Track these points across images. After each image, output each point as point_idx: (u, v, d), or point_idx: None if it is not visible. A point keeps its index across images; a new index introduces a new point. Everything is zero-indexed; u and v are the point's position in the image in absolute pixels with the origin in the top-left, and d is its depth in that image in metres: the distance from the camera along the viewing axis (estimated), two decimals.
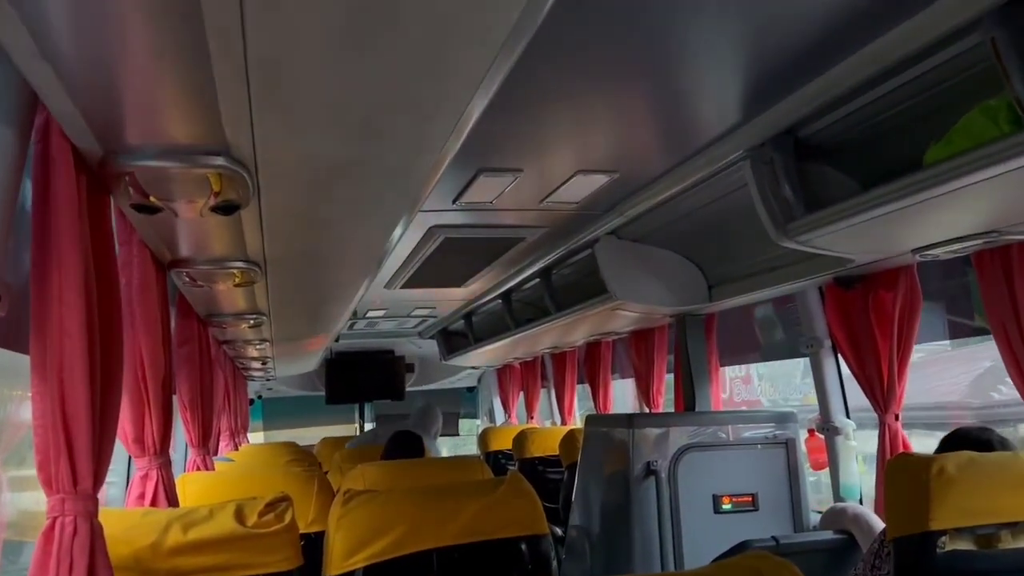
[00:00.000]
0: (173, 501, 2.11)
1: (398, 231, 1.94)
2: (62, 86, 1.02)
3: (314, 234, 1.89)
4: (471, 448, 9.07)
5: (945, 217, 1.94)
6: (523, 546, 1.96)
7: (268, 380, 6.83)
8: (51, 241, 1.21)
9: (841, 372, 3.22)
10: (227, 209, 1.43)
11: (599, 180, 2.53)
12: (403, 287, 4.22)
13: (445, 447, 9.45)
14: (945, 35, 1.51)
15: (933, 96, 1.78)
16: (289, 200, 1.55)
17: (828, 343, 3.17)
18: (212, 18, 0.84)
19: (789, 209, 2.16)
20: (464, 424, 9.19)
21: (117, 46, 0.93)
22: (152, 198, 1.37)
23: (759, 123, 2.06)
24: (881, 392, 2.79)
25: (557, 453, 4.97)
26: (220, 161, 1.24)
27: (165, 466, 2.05)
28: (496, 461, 6.16)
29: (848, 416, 3.21)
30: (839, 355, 3.14)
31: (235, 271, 2.02)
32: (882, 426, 2.80)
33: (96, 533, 1.29)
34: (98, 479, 1.28)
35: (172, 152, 1.22)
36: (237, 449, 4.76)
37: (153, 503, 2.01)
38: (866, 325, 2.82)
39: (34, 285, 1.23)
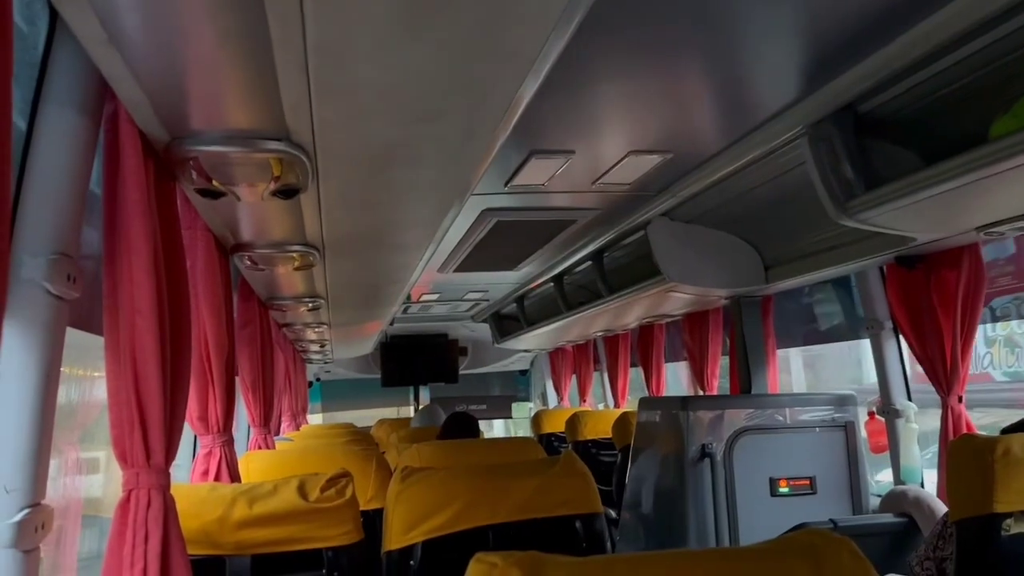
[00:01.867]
0: (236, 478, 2.18)
1: (451, 214, 1.96)
2: (130, 73, 1.06)
3: (370, 217, 1.92)
4: (524, 431, 9.13)
5: (1012, 193, 1.88)
6: (577, 524, 1.98)
7: (326, 363, 6.97)
8: (121, 225, 1.26)
9: (902, 353, 3.15)
10: (287, 193, 1.47)
11: (652, 160, 2.50)
12: (456, 271, 4.25)
13: (498, 429, 9.54)
14: (1009, 6, 1.46)
15: (997, 68, 1.72)
16: (346, 184, 1.58)
17: (889, 324, 3.10)
18: (274, 5, 0.86)
19: (849, 187, 2.11)
20: (516, 408, 9.25)
21: (182, 33, 0.96)
22: (215, 182, 1.42)
23: (817, 99, 2.02)
24: (944, 373, 2.73)
25: (610, 436, 4.97)
26: (280, 146, 1.27)
27: (228, 444, 2.11)
28: (549, 443, 6.19)
29: (909, 398, 3.14)
30: (900, 336, 3.07)
31: (294, 254, 2.07)
32: (945, 408, 2.73)
33: (169, 506, 1.34)
34: (170, 454, 1.34)
35: (234, 137, 1.25)
36: (298, 429, 4.88)
37: (216, 480, 2.08)
38: (928, 305, 2.75)
39: (106, 267, 1.29)
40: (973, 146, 1.66)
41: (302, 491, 1.79)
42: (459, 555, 1.83)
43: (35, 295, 1.13)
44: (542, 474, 2.01)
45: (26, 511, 1.12)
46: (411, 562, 1.87)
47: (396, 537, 1.87)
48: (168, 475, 1.35)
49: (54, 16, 1.14)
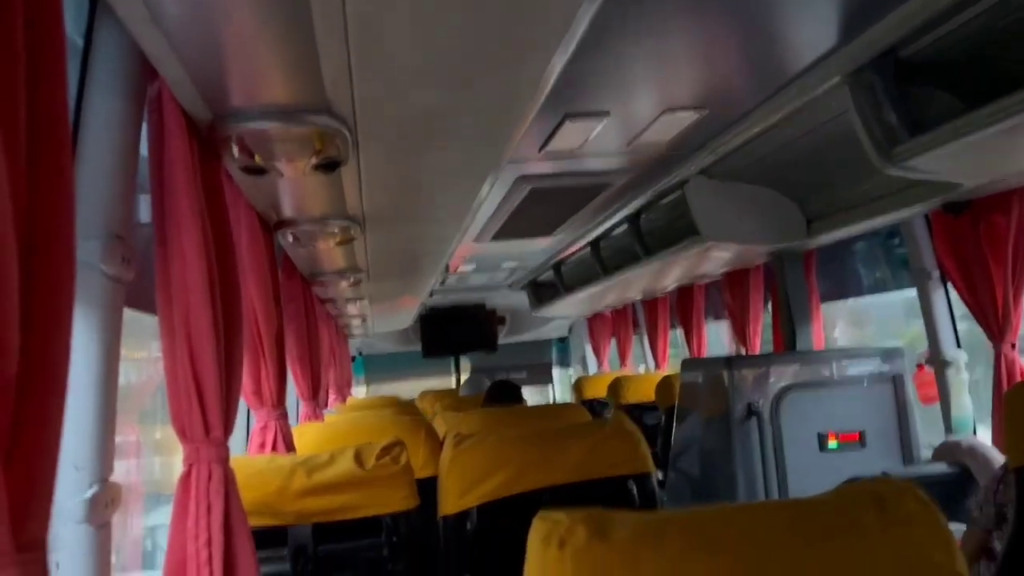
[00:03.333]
0: (291, 449, 2.22)
1: (488, 182, 1.96)
2: (173, 51, 1.07)
3: (409, 188, 1.93)
4: (563, 398, 9.18)
5: None
6: (630, 484, 1.99)
7: (367, 337, 7.06)
8: (169, 206, 1.29)
9: (950, 302, 3.09)
10: (328, 167, 1.48)
11: (687, 118, 2.47)
12: (492, 240, 4.25)
13: (538, 397, 9.60)
14: None
15: None
16: (386, 155, 1.59)
17: (936, 273, 3.05)
18: None
19: (893, 134, 2.06)
20: (557, 373, 9.30)
21: (224, 9, 0.97)
22: (258, 159, 1.43)
23: (858, 45, 1.96)
24: (996, 321, 2.67)
25: (652, 399, 4.98)
26: (321, 119, 1.28)
27: (282, 417, 2.16)
28: (591, 408, 6.20)
29: (959, 347, 3.09)
30: (947, 285, 3.02)
31: (336, 229, 2.09)
32: (998, 356, 2.69)
33: (229, 478, 1.38)
34: (228, 427, 1.37)
35: (276, 113, 1.26)
36: (344, 402, 4.96)
37: (273, 452, 2.13)
38: (978, 252, 2.69)
39: (157, 248, 1.31)
40: (1022, 86, 1.61)
41: (358, 459, 1.82)
42: (514, 518, 1.86)
43: (92, 278, 1.16)
44: (593, 436, 2.02)
45: (95, 487, 1.16)
46: (467, 526, 1.90)
47: (451, 502, 1.90)
48: (227, 448, 1.39)
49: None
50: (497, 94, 1.36)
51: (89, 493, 1.14)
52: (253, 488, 1.70)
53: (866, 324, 5.15)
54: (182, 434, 1.33)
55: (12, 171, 0.64)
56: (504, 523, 1.83)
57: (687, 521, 0.92)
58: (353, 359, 7.67)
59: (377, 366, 8.49)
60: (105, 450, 1.18)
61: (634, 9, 1.69)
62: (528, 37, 1.14)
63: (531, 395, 9.56)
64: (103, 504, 1.17)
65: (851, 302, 4.38)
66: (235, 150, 1.37)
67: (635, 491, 1.98)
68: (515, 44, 1.16)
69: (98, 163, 1.17)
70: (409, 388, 8.14)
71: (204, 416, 1.32)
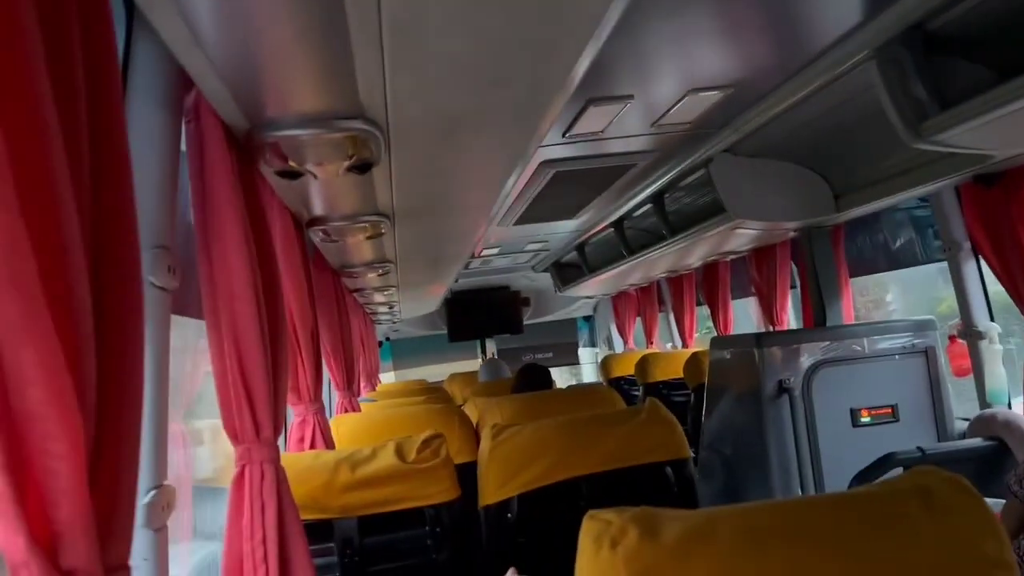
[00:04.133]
0: (329, 443, 2.27)
1: (515, 172, 1.97)
2: (211, 68, 1.09)
3: (438, 183, 1.94)
4: (589, 376, 9.21)
5: None
6: (668, 470, 2.01)
7: (394, 322, 7.11)
8: (211, 215, 1.31)
9: (983, 274, 3.06)
10: (362, 168, 1.50)
11: (712, 97, 2.45)
12: (516, 223, 4.26)
13: (566, 376, 9.64)
14: None
15: None
16: (417, 153, 1.60)
17: (967, 245, 3.02)
18: None
19: (922, 108, 2.04)
20: (583, 353, 9.31)
21: (261, 27, 0.98)
22: (292, 163, 1.45)
23: (885, 19, 1.94)
24: None
25: (680, 376, 4.98)
26: (355, 123, 1.30)
27: (320, 411, 2.20)
28: (619, 387, 6.23)
29: (992, 319, 3.06)
30: (979, 257, 2.99)
31: (366, 224, 2.11)
32: None
33: (281, 477, 1.41)
34: (277, 427, 1.40)
35: (312, 120, 1.28)
36: (374, 389, 5.02)
37: (312, 446, 2.17)
38: (1009, 223, 2.66)
39: (201, 256, 1.34)
40: None
41: (400, 453, 1.86)
42: (554, 506, 1.89)
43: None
44: (629, 423, 2.04)
45: (152, 492, 1.19)
46: (508, 515, 1.93)
47: (492, 492, 1.93)
48: (277, 448, 1.42)
49: (130, 16, 1.17)
50: (528, 88, 1.36)
51: (147, 499, 1.18)
52: (300, 484, 1.74)
53: (913, 290, 5.12)
54: (233, 436, 1.37)
55: (78, 196, 0.66)
56: (544, 512, 1.86)
57: (736, 517, 0.93)
58: (380, 344, 7.74)
59: (404, 351, 8.57)
60: (159, 455, 1.21)
61: None
62: (561, 30, 1.14)
63: (560, 376, 9.62)
64: (160, 508, 1.21)
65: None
66: (270, 156, 1.39)
67: (672, 477, 2.00)
68: (547, 38, 1.16)
69: (141, 176, 1.19)
70: (436, 372, 8.21)
71: (254, 417, 1.36)
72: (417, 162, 1.67)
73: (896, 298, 5.07)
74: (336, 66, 1.09)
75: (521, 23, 1.08)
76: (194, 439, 3.01)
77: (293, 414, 2.26)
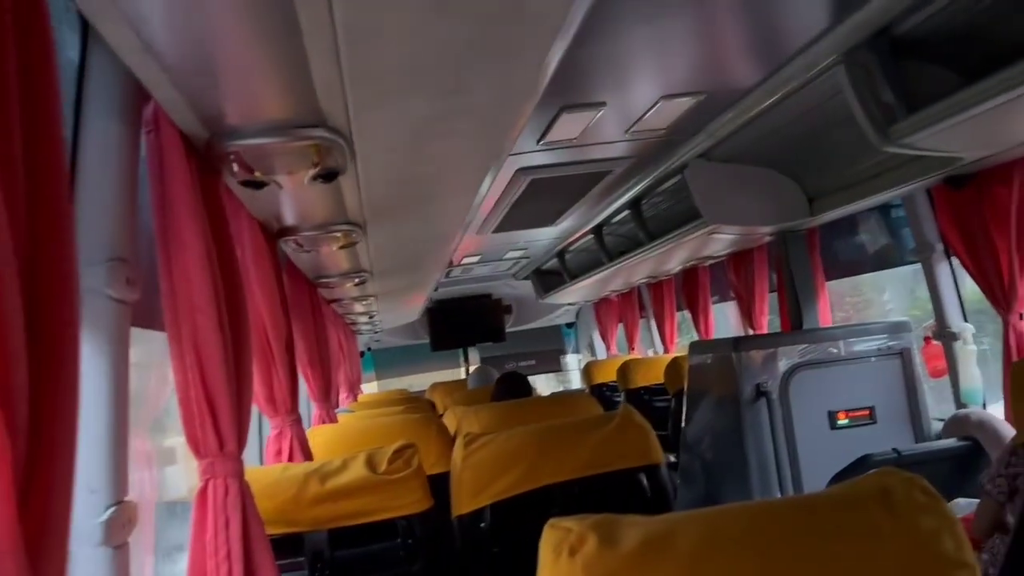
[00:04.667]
0: (307, 454, 2.24)
1: (488, 178, 1.96)
2: (166, 76, 1.07)
3: (409, 190, 1.93)
4: (574, 382, 9.20)
5: None
6: (642, 476, 2.00)
7: (375, 333, 7.07)
8: (172, 225, 1.29)
9: (955, 276, 3.09)
10: (327, 177, 1.49)
11: (685, 103, 2.46)
12: (495, 231, 4.26)
13: (550, 384, 9.63)
14: None
15: None
16: (384, 161, 1.59)
17: (940, 247, 3.04)
18: None
19: (891, 112, 2.05)
20: (569, 360, 9.31)
21: (214, 32, 0.97)
22: (257, 173, 1.44)
23: (852, 24, 1.95)
24: (1002, 292, 2.67)
25: (661, 382, 4.98)
26: (318, 132, 1.28)
27: (296, 423, 2.18)
28: (601, 393, 6.23)
29: (966, 320, 3.09)
30: (951, 258, 3.01)
31: (338, 233, 2.10)
32: (1006, 327, 2.68)
33: (245, 491, 1.39)
34: (241, 440, 1.38)
35: (273, 129, 1.27)
36: (356, 400, 4.98)
37: (290, 458, 2.14)
38: (981, 223, 2.69)
39: (162, 268, 1.32)
40: (1018, 58, 1.60)
41: (371, 464, 1.84)
42: (528, 514, 1.87)
43: (98, 302, 1.17)
44: (602, 429, 2.03)
45: (112, 509, 1.17)
46: (481, 524, 1.92)
47: (465, 502, 1.91)
48: (241, 461, 1.40)
49: (85, 27, 1.16)
50: (494, 94, 1.35)
51: (105, 515, 1.16)
52: (268, 497, 1.72)
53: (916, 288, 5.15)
54: (196, 450, 1.35)
55: (11, 206, 0.65)
56: (518, 520, 1.85)
57: (697, 522, 0.93)
58: (362, 355, 7.69)
59: (386, 360, 8.53)
60: (119, 471, 1.19)
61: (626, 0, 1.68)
62: (522, 37, 1.14)
63: (547, 383, 9.61)
64: (120, 525, 1.19)
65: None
66: (234, 166, 1.38)
67: (646, 483, 1.99)
68: (510, 44, 1.16)
69: (98, 188, 1.18)
70: (419, 381, 8.18)
71: (217, 431, 1.34)
72: (385, 170, 1.66)
73: (893, 297, 5.10)
74: (293, 74, 1.08)
75: (481, 29, 1.08)
76: (165, 458, 2.97)
77: (270, 426, 2.24)
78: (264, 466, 2.07)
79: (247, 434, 1.42)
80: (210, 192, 1.39)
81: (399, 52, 1.06)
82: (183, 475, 3.05)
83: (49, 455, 0.70)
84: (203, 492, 1.37)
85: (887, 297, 5.04)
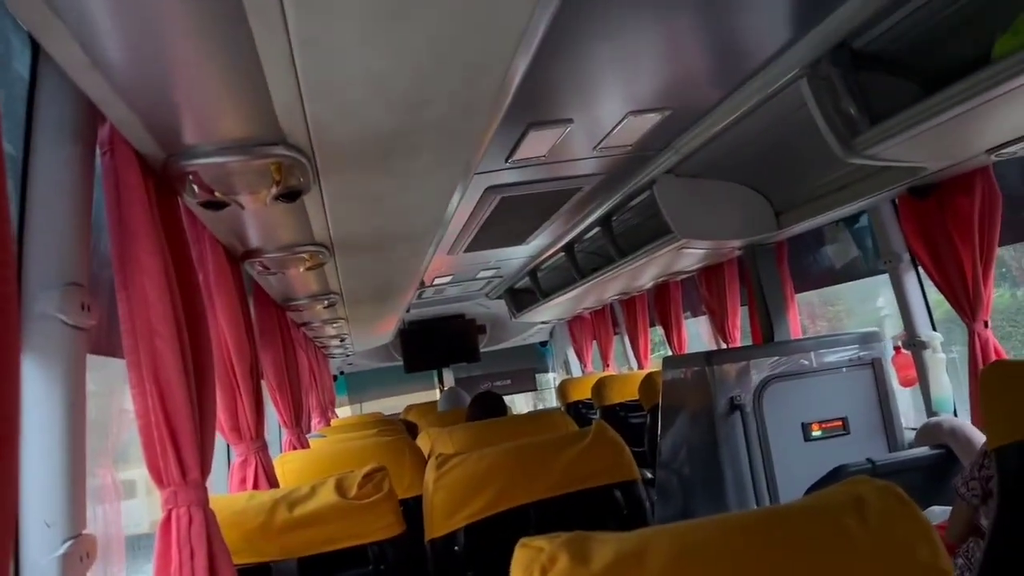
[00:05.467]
0: (273, 482, 2.19)
1: (456, 196, 1.94)
2: (118, 95, 1.05)
3: (376, 209, 1.91)
4: (551, 401, 9.18)
5: (1021, 112, 1.84)
6: (617, 493, 1.98)
7: (348, 356, 7.00)
8: (129, 246, 1.26)
9: (923, 285, 3.12)
10: (290, 196, 1.46)
11: (651, 119, 2.47)
12: (466, 251, 4.24)
13: (529, 403, 9.60)
14: None
15: None
16: (348, 179, 1.57)
17: (907, 256, 3.08)
18: (252, 8, 0.84)
19: (853, 124, 2.08)
20: (541, 378, 9.29)
21: (166, 49, 0.95)
22: (217, 194, 1.41)
23: (813, 38, 1.98)
24: (967, 300, 2.70)
25: (637, 398, 4.98)
26: (278, 150, 1.26)
27: (262, 450, 2.13)
28: (577, 411, 6.21)
29: (935, 328, 3.12)
30: (918, 268, 3.05)
31: (305, 255, 2.07)
32: (971, 335, 2.71)
33: (210, 520, 1.35)
34: (205, 468, 1.34)
35: (231, 147, 1.24)
36: (328, 424, 4.91)
37: (255, 487, 2.09)
38: (945, 233, 2.72)
39: (120, 292, 1.28)
40: (976, 69, 1.62)
41: (340, 489, 1.80)
42: (502, 535, 1.84)
43: (51, 328, 1.13)
44: (575, 446, 2.01)
45: (69, 543, 1.13)
46: (455, 547, 1.88)
47: (438, 525, 1.88)
48: (205, 489, 1.36)
49: (36, 46, 1.13)
50: (458, 109, 1.34)
51: (62, 549, 1.11)
52: (235, 526, 1.67)
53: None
54: (158, 479, 1.30)
55: None
56: (492, 542, 1.81)
57: (669, 537, 0.91)
58: (335, 378, 7.61)
59: (360, 383, 8.45)
60: (76, 503, 1.15)
61: (590, 16, 1.68)
62: (483, 50, 1.13)
63: (526, 401, 9.57)
64: (78, 558, 1.14)
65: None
66: (193, 187, 1.35)
67: (621, 499, 1.97)
68: (471, 58, 1.15)
69: (50, 210, 1.15)
70: (394, 403, 8.10)
71: (180, 459, 1.30)
72: (350, 188, 1.64)
73: (888, 303, 5.13)
74: (250, 89, 1.06)
75: (441, 42, 1.07)
76: (129, 491, 2.89)
77: (235, 454, 2.18)
78: (229, 495, 2.02)
79: (211, 462, 1.38)
80: (169, 213, 1.36)
81: (357, 65, 1.04)
82: (146, 508, 2.97)
83: None
84: (166, 522, 1.32)
85: (881, 303, 5.06)
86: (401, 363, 7.65)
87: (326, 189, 1.57)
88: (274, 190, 1.40)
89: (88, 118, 1.17)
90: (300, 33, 0.90)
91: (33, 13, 0.84)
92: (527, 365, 8.96)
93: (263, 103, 1.09)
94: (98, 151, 1.25)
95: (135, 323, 1.26)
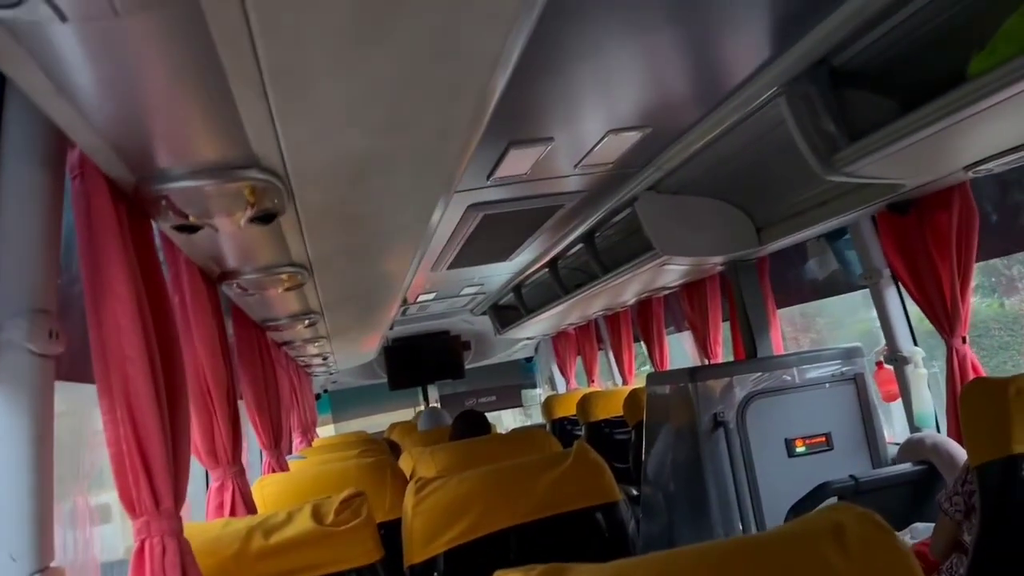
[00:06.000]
0: (251, 507, 2.15)
1: (436, 215, 1.93)
2: (85, 121, 1.03)
3: (354, 229, 1.89)
4: (537, 417, 9.15)
5: (996, 129, 1.86)
6: (598, 515, 1.96)
7: (331, 374, 6.95)
8: (100, 272, 1.24)
9: (904, 301, 3.14)
10: (265, 219, 1.44)
11: (632, 137, 2.47)
12: (449, 268, 4.22)
13: (517, 419, 9.56)
14: None
15: (969, 5, 1.69)
16: (324, 201, 1.55)
17: (887, 272, 3.09)
18: (220, 34, 0.83)
19: (832, 141, 2.09)
20: (527, 395, 9.26)
21: (133, 74, 0.93)
22: (191, 217, 1.39)
23: (791, 56, 1.99)
24: (945, 316, 2.71)
25: (621, 414, 4.97)
26: (252, 173, 1.24)
27: (239, 474, 2.09)
28: (562, 428, 6.19)
29: (916, 344, 3.13)
30: (899, 283, 3.06)
31: (283, 276, 2.04)
32: (950, 351, 2.72)
33: (185, 549, 1.32)
34: (179, 497, 1.32)
35: (203, 171, 1.22)
36: (311, 445, 4.86)
37: (232, 511, 2.06)
38: (924, 249, 2.74)
39: (90, 316, 1.26)
40: (953, 87, 1.64)
41: (317, 516, 1.77)
42: (482, 561, 1.82)
43: (17, 357, 1.11)
44: (556, 468, 1.99)
45: None
46: (435, 574, 1.85)
47: (417, 551, 1.85)
48: (179, 519, 1.33)
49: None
50: (434, 131, 1.33)
51: None
52: (209, 555, 1.64)
53: None
54: (130, 509, 1.27)
55: None
56: (472, 568, 1.78)
57: (648, 568, 0.89)
58: (318, 396, 7.54)
59: (343, 401, 8.37)
60: (43, 535, 1.12)
61: (568, 35, 1.68)
62: (458, 73, 1.12)
63: (514, 418, 9.53)
64: None
65: None
66: (166, 211, 1.32)
67: (603, 522, 1.95)
68: (446, 81, 1.14)
69: (16, 237, 1.13)
70: (378, 422, 8.04)
71: (152, 488, 1.27)
72: (326, 209, 1.62)
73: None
74: (220, 114, 1.04)
75: (414, 66, 1.05)
76: (104, 515, 2.83)
77: (212, 478, 2.15)
78: (203, 522, 1.98)
79: (185, 490, 1.35)
80: (141, 238, 1.34)
81: (330, 89, 1.03)
82: (120, 533, 2.91)
83: None
84: (139, 553, 1.29)
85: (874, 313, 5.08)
86: (385, 380, 7.60)
87: (302, 210, 1.55)
88: (248, 213, 1.38)
89: (55, 142, 1.15)
90: (271, 61, 0.89)
91: None
92: (513, 381, 8.92)
93: (234, 127, 1.08)
94: (67, 175, 1.24)
95: (106, 349, 1.24)
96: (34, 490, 1.12)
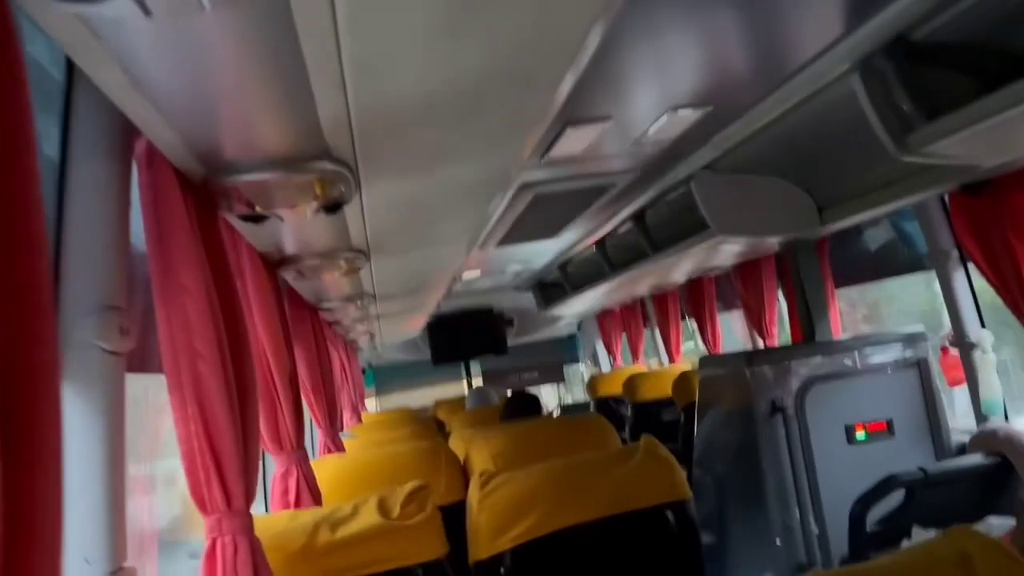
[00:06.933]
0: (315, 492, 2.14)
1: (495, 200, 1.89)
2: (158, 114, 1.00)
3: (414, 216, 1.87)
4: (577, 394, 9.14)
5: None
6: (668, 513, 1.91)
7: (375, 350, 7.00)
8: (169, 266, 1.22)
9: (972, 283, 3.02)
10: (331, 208, 1.41)
11: (691, 116, 2.39)
12: (496, 246, 4.19)
13: (554, 394, 9.56)
14: None
15: None
16: (390, 190, 1.53)
17: (955, 254, 2.97)
18: (305, 24, 0.79)
19: (908, 121, 1.99)
20: (569, 369, 9.25)
21: (209, 66, 0.90)
22: (258, 208, 1.36)
23: (867, 31, 1.89)
24: (1023, 300, 2.59)
25: (669, 395, 4.91)
26: (322, 164, 1.21)
27: (303, 460, 2.09)
28: (607, 406, 6.16)
29: (984, 327, 3.01)
30: (967, 265, 2.94)
31: (341, 261, 2.03)
32: None
33: (256, 548, 1.31)
34: (249, 494, 1.30)
35: (274, 163, 1.19)
36: (360, 421, 4.90)
37: (297, 497, 2.05)
38: (1000, 231, 2.61)
39: (160, 311, 1.24)
40: None
41: (383, 508, 1.75)
42: (550, 558, 1.79)
43: (90, 355, 1.09)
44: (624, 464, 1.94)
45: None
46: (501, 569, 1.83)
47: (484, 546, 1.82)
48: (250, 516, 1.32)
49: (70, 66, 1.08)
50: (505, 120, 1.29)
51: None
52: (277, 549, 1.62)
53: None
54: (202, 507, 1.26)
55: None
56: (539, 565, 1.76)
57: None
58: (363, 371, 7.60)
59: (387, 377, 8.44)
60: (117, 536, 1.11)
61: (633, 14, 1.61)
62: (538, 60, 1.07)
63: (554, 391, 9.55)
64: None
65: None
66: (232, 201, 1.30)
67: (673, 520, 1.90)
68: (525, 69, 1.09)
69: (86, 233, 1.11)
70: (420, 396, 8.09)
71: (224, 486, 1.25)
72: (390, 197, 1.59)
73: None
74: (296, 107, 1.00)
75: (497, 56, 1.01)
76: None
77: (276, 464, 2.14)
78: (270, 513, 1.98)
79: (255, 487, 1.34)
80: (208, 229, 1.32)
81: (410, 84, 0.99)
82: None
83: (30, 525, 0.62)
84: (211, 551, 1.28)
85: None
86: (428, 356, 7.63)
87: (367, 198, 1.52)
88: (315, 203, 1.36)
89: (125, 135, 1.13)
90: (353, 55, 0.85)
91: (69, 34, 0.79)
92: (554, 358, 8.90)
93: (309, 121, 1.04)
94: (134, 166, 1.21)
95: (176, 345, 1.22)
96: (107, 490, 1.11)
